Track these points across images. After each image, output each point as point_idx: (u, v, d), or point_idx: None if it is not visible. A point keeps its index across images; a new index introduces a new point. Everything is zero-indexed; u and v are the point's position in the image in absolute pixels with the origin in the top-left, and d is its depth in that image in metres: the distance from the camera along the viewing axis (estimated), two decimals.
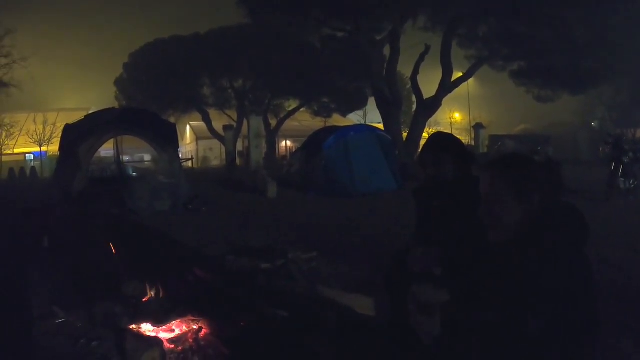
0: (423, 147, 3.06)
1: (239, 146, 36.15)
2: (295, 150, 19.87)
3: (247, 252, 6.36)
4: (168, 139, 13.23)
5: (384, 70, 24.28)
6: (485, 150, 30.03)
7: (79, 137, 13.26)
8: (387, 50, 24.86)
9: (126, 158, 39.47)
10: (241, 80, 35.09)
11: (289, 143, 46.12)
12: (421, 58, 24.19)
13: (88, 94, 56.90)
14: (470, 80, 29.76)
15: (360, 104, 37.62)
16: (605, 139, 14.85)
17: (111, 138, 15.32)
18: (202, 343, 3.60)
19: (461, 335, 1.92)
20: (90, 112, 50.71)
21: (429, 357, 2.05)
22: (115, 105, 35.73)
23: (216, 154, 44.56)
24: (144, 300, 4.12)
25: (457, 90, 25.68)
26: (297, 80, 30.72)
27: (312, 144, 16.11)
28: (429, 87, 24.81)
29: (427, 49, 24.01)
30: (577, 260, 1.83)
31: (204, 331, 3.72)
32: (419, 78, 24.50)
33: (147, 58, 34.55)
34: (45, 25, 58.16)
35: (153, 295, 4.15)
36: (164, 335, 3.63)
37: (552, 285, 1.75)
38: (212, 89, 35.91)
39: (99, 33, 62.68)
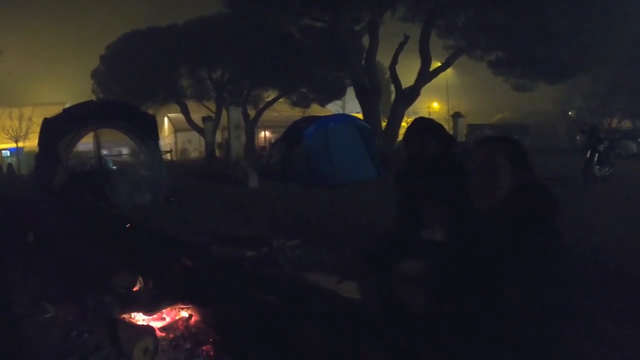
0: (407, 129, 3.18)
1: (218, 137, 36.02)
2: (275, 141, 19.91)
3: (232, 241, 6.46)
4: (148, 132, 13.21)
5: (363, 60, 24.40)
6: (464, 139, 30.28)
7: (58, 131, 13.17)
8: (366, 40, 25.00)
9: (104, 152, 39.24)
10: (219, 71, 34.89)
11: (268, 133, 46.04)
12: (400, 48, 24.32)
13: (64, 88, 56.14)
14: (449, 70, 29.90)
15: (339, 94, 37.68)
16: (581, 128, 15.16)
17: (90, 131, 15.23)
18: (193, 329, 3.70)
19: (445, 301, 2.08)
20: (67, 105, 50.25)
21: (415, 323, 2.21)
22: (93, 98, 35.52)
23: (195, 146, 44.36)
24: (134, 290, 4.20)
25: (435, 79, 25.89)
26: (275, 71, 30.65)
27: (292, 134, 16.20)
28: (408, 76, 24.97)
29: (406, 39, 24.16)
30: (548, 226, 2.05)
31: (194, 318, 3.81)
32: (398, 68, 24.66)
33: (123, 49, 34.13)
34: (18, 18, 57.27)
35: (143, 285, 4.22)
36: (155, 323, 3.72)
37: (527, 247, 1.95)
38: (190, 80, 35.64)
39: (74, 25, 61.87)
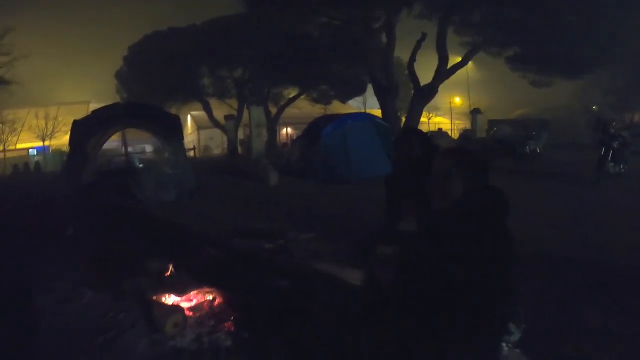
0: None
1: (240, 134, 36.65)
2: (296, 139, 20.43)
3: (251, 234, 7.00)
4: (173, 132, 13.81)
5: (381, 58, 24.72)
6: (484, 135, 30.47)
7: (87, 132, 13.85)
8: (384, 38, 25.28)
9: (128, 149, 40.15)
10: (240, 70, 35.42)
11: (289, 130, 46.54)
12: (418, 45, 24.57)
13: (87, 87, 57.30)
14: (470, 65, 30.10)
15: (359, 91, 37.98)
16: (595, 124, 15.33)
17: (117, 132, 15.88)
18: (215, 309, 4.25)
19: (410, 280, 2.63)
20: (91, 104, 51.32)
21: (387, 298, 2.74)
22: (116, 97, 36.41)
23: (217, 143, 44.93)
24: (165, 275, 4.76)
25: (457, 74, 26.07)
26: (295, 68, 31.02)
27: (311, 132, 16.72)
28: (427, 73, 25.15)
29: (424, 36, 24.38)
30: (497, 228, 2.57)
31: (216, 300, 4.35)
32: (416, 64, 24.94)
33: (145, 50, 34.91)
34: (43, 21, 58.44)
35: (173, 272, 4.78)
36: (183, 304, 4.27)
37: (476, 244, 2.48)
38: (211, 79, 36.25)
39: (97, 27, 62.92)
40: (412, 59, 24.82)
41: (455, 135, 32.36)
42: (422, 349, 2.63)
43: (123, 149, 35.38)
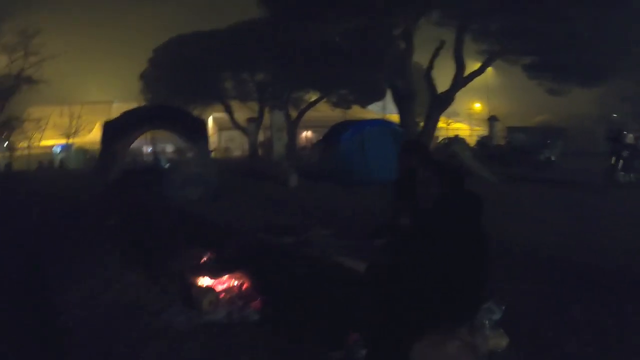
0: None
1: (260, 136, 37.37)
2: (315, 143, 21.04)
3: (273, 229, 7.64)
4: (198, 134, 14.56)
5: (399, 65, 25.15)
6: (502, 142, 30.73)
7: (117, 132, 14.64)
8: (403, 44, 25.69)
9: (149, 149, 41.15)
10: (261, 74, 36.01)
11: (309, 133, 47.13)
12: (436, 53, 25.02)
13: (110, 87, 58.49)
14: (490, 71, 30.29)
15: (379, 96, 38.39)
16: (608, 134, 15.59)
17: (145, 132, 16.64)
18: (244, 292, 4.89)
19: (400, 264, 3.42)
20: (114, 104, 52.32)
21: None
22: (140, 98, 37.48)
23: (237, 145, 45.69)
24: (202, 261, 5.41)
25: (477, 79, 26.42)
26: (316, 73, 31.48)
27: (331, 137, 17.37)
28: (446, 78, 25.48)
29: (441, 43, 24.81)
30: (471, 224, 3.32)
31: (246, 284, 4.97)
32: (434, 71, 25.35)
33: (170, 53, 35.73)
34: (70, 22, 59.78)
35: (209, 258, 5.44)
36: (217, 286, 4.90)
37: (450, 237, 3.21)
38: (233, 82, 36.94)
39: (120, 28, 64.21)
40: (430, 66, 25.25)
41: (473, 142, 32.69)
42: (413, 317, 3.44)
43: (146, 148, 36.27)
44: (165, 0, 62.15)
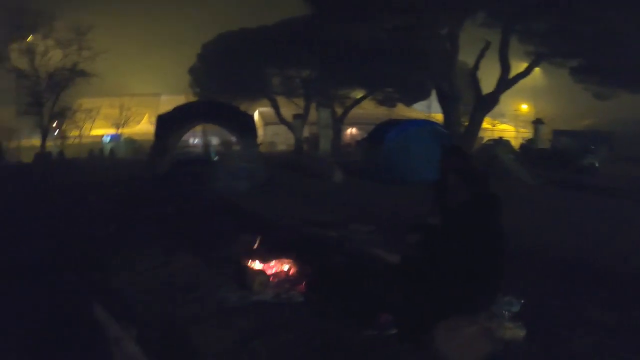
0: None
1: (305, 132, 37.93)
2: (360, 140, 21.51)
3: (317, 224, 8.23)
4: (247, 129, 15.22)
5: (445, 65, 25.33)
6: (546, 145, 30.54)
7: (170, 125, 15.43)
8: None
9: (195, 141, 42.29)
10: (307, 70, 36.47)
11: (354, 130, 47.46)
12: (481, 54, 25.14)
13: (158, 81, 59.98)
14: (537, 72, 30.03)
15: (424, 95, 38.48)
16: None
17: (196, 126, 17.36)
18: (291, 277, 5.45)
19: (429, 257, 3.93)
20: (162, 97, 53.61)
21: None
22: (188, 91, 38.71)
23: (282, 139, 46.31)
24: (253, 247, 6.00)
25: (524, 81, 26.32)
26: (362, 71, 31.69)
27: (375, 135, 17.85)
28: (491, 80, 25.59)
29: (487, 44, 24.91)
30: (492, 224, 3.85)
31: (292, 270, 5.54)
32: (480, 72, 25.47)
33: (219, 49, 36.54)
34: (120, 18, 61.48)
35: (259, 245, 6.03)
36: (267, 270, 5.48)
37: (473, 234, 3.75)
38: (280, 78, 37.52)
39: (168, 24, 65.73)
40: (476, 66, 25.39)
41: (518, 144, 32.54)
42: (438, 302, 4.07)
43: (192, 140, 37.27)
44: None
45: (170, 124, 15.44)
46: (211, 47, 37.53)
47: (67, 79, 36.76)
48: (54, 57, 36.63)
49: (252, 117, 16.05)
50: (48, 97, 36.45)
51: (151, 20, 66.90)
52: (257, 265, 5.51)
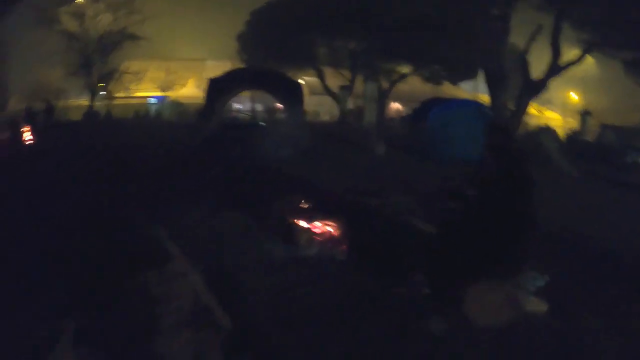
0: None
1: (350, 104, 38.12)
2: (405, 116, 21.75)
3: (361, 192, 8.71)
4: (295, 97, 15.64)
5: (494, 45, 25.12)
6: (592, 138, 30.01)
7: (221, 89, 15.95)
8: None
9: (239, 106, 42.91)
10: (355, 42, 36.42)
11: (397, 105, 47.41)
12: (532, 37, 24.74)
13: (204, 46, 60.42)
14: (590, 61, 29.31)
15: (471, 75, 38.08)
16: None
17: (244, 91, 17.84)
18: (335, 237, 5.91)
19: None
20: (207, 61, 54.33)
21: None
22: (234, 57, 39.25)
23: (325, 110, 46.50)
24: (301, 207, 6.46)
25: (575, 70, 26.11)
26: (410, 45, 31.54)
27: (420, 112, 18.13)
28: (541, 65, 25.31)
29: (539, 28, 24.49)
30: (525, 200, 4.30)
31: (336, 231, 5.99)
32: (531, 56, 25.16)
33: (266, 16, 36.77)
34: None
35: (306, 206, 6.49)
36: (313, 229, 5.95)
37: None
38: (327, 49, 37.60)
39: None
40: (526, 50, 25.06)
41: (564, 132, 31.89)
42: (469, 267, 4.51)
43: (238, 105, 37.92)
44: None
45: (221, 88, 15.94)
46: (260, 14, 37.78)
47: (116, 42, 38.04)
48: (104, 20, 37.84)
49: (300, 85, 16.46)
50: (97, 59, 37.76)
51: None
52: (303, 223, 5.96)
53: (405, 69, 38.13)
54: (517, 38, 26.77)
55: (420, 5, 29.00)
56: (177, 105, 44.24)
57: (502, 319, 4.41)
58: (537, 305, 4.70)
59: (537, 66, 25.35)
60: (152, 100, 49.54)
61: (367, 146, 16.98)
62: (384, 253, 5.49)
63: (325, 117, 45.75)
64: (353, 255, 5.58)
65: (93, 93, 38.17)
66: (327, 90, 38.24)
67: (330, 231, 5.89)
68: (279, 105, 34.36)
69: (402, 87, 40.20)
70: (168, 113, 42.31)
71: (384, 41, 32.06)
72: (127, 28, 37.87)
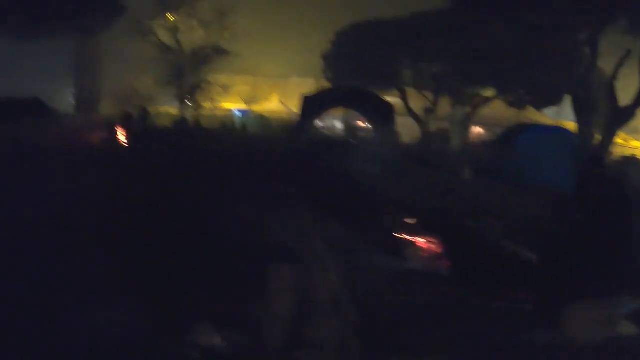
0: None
1: (432, 127, 38.16)
2: (491, 140, 21.70)
3: (456, 213, 9.17)
4: (387, 117, 16.14)
5: (582, 71, 24.73)
6: None
7: (315, 106, 16.69)
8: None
9: (321, 124, 43.68)
10: (439, 66, 36.44)
11: (479, 130, 46.93)
12: (620, 63, 24.16)
13: (288, 63, 61.86)
14: None
15: (556, 100, 37.46)
16: None
17: (336, 109, 18.46)
18: (437, 253, 6.41)
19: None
20: (290, 78, 55.81)
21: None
22: (318, 76, 40.33)
23: (406, 131, 46.55)
24: (406, 223, 7.00)
25: None
26: (495, 70, 31.33)
27: (507, 137, 18.14)
28: (630, 93, 24.62)
29: (627, 53, 23.88)
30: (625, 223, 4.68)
31: (438, 248, 6.50)
32: (617, 83, 24.56)
33: (352, 37, 37.39)
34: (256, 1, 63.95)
35: (411, 222, 7.03)
36: (418, 244, 6.48)
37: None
38: (411, 71, 37.81)
39: (301, 10, 67.31)
40: (614, 76, 24.44)
41: None
42: (571, 287, 4.97)
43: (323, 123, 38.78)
44: None
45: (315, 105, 16.70)
46: (345, 35, 38.42)
47: (207, 55, 39.98)
48: (197, 35, 39.84)
49: (392, 106, 16.95)
50: (189, 71, 39.86)
51: (285, 5, 68.96)
52: (409, 238, 6.50)
53: (489, 92, 37.87)
54: (604, 64, 26.28)
55: (507, 30, 28.88)
56: (261, 119, 45.62)
57: (597, 337, 4.79)
58: (628, 329, 5.04)
59: (625, 93, 24.70)
60: (237, 113, 51.23)
61: (454, 169, 17.24)
62: (486, 271, 5.96)
63: (406, 138, 45.83)
64: (456, 270, 6.06)
65: (182, 102, 40.09)
66: (410, 112, 38.42)
67: (433, 247, 6.41)
68: (361, 123, 35.05)
69: (483, 111, 39.90)
70: (252, 126, 43.62)
71: (469, 65, 31.99)
72: (218, 43, 39.75)
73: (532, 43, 27.44)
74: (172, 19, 40.00)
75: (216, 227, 6.88)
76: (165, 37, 39.66)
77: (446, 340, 4.60)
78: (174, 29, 39.56)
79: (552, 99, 36.71)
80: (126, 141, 18.92)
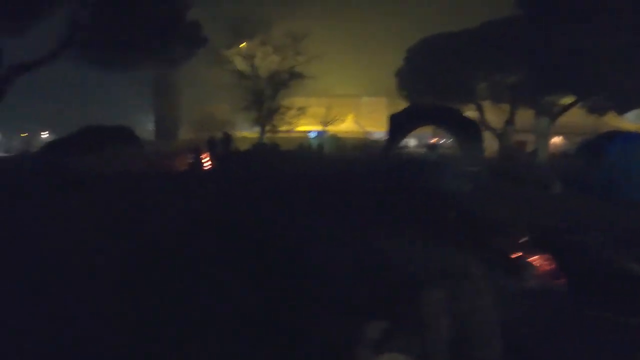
0: None
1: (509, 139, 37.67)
2: (577, 150, 21.29)
3: (557, 229, 9.19)
4: (473, 134, 16.26)
5: None
6: None
7: (402, 124, 17.00)
8: None
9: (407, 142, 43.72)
10: (515, 76, 35.94)
11: (559, 139, 45.86)
12: None
13: (359, 83, 62.46)
14: None
15: (638, 103, 36.38)
16: None
17: (421, 127, 18.70)
18: (552, 271, 6.53)
19: None
20: (362, 98, 56.80)
21: None
22: (391, 94, 40.91)
23: (486, 145, 46.05)
24: (521, 242, 7.15)
25: None
26: (572, 76, 30.60)
27: (596, 146, 17.67)
28: None
29: None
30: None
31: (551, 264, 6.61)
32: None
33: (423, 52, 37.48)
34: (328, 25, 64.96)
35: (525, 240, 7.18)
36: (533, 262, 6.62)
37: None
38: (486, 83, 37.49)
39: (370, 31, 67.92)
40: None
41: None
42: None
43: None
44: (414, 2, 63.91)
45: (402, 123, 17.01)
46: (416, 51, 38.60)
47: (284, 80, 41.36)
48: (272, 61, 41.20)
49: (477, 123, 17.06)
50: (267, 96, 41.28)
51: (354, 27, 69.75)
52: (525, 257, 6.65)
53: (567, 100, 37.03)
54: None
55: (584, 32, 28.23)
56: (336, 139, 46.34)
57: None
58: None
59: None
60: (313, 135, 52.18)
61: (541, 184, 17.01)
62: (605, 287, 6.04)
63: (486, 153, 45.27)
64: (573, 287, 6.17)
65: (262, 126, 41.46)
66: (486, 125, 38.04)
67: (547, 264, 6.53)
68: (435, 139, 35.02)
69: (563, 119, 39.05)
70: (328, 147, 44.29)
71: (546, 73, 31.48)
72: (294, 68, 40.82)
73: (612, 44, 26.84)
74: (247, 46, 41.51)
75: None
76: (241, 64, 41.16)
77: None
78: (249, 56, 40.94)
79: (636, 102, 35.58)
80: (210, 164, 19.83)
